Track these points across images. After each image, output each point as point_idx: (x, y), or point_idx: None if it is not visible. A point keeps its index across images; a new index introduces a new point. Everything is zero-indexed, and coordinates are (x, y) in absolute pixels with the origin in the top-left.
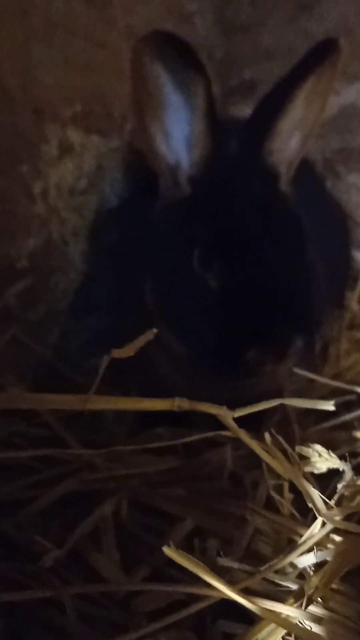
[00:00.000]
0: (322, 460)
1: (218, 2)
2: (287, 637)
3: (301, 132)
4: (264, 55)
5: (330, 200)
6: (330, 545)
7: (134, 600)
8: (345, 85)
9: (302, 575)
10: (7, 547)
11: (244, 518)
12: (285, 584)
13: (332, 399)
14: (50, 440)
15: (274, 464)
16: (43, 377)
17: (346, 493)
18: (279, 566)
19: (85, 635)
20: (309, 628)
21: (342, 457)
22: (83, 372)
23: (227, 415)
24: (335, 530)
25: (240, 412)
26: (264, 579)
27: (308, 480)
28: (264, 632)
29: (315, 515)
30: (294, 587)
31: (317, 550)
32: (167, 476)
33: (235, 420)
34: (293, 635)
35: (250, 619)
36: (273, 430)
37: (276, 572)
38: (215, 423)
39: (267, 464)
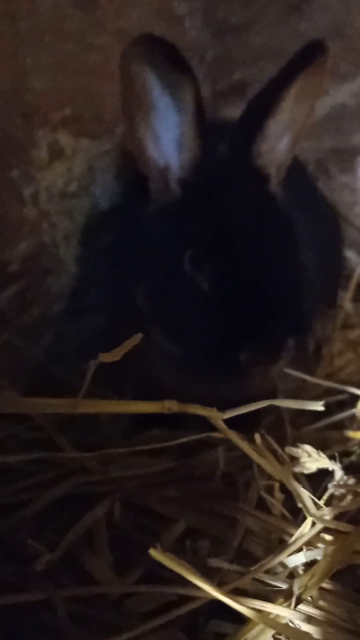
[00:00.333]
0: (312, 460)
1: (208, 4)
2: (277, 636)
3: (290, 134)
4: (254, 56)
5: (323, 200)
6: (320, 545)
7: (126, 602)
8: (336, 86)
9: (292, 575)
10: (1, 551)
11: (236, 518)
12: (275, 583)
13: (325, 399)
14: (44, 444)
15: (264, 464)
16: (38, 380)
17: (336, 493)
18: (269, 566)
19: (78, 636)
20: (298, 627)
21: (333, 457)
22: (78, 374)
23: (217, 417)
24: (326, 530)
25: (230, 414)
26: (255, 578)
27: (299, 481)
28: (253, 632)
29: (305, 515)
30: (284, 586)
31: (307, 550)
32: (161, 477)
33: (230, 421)
34: (283, 635)
35: (242, 619)
36: (263, 431)
37: (267, 572)
38: (208, 424)
39: (258, 465)
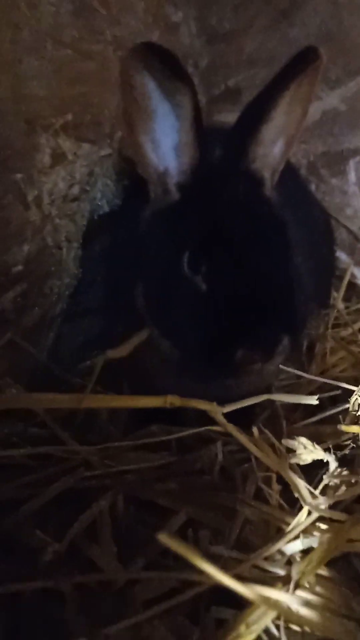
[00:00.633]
0: (308, 452)
1: (202, 12)
2: (276, 622)
3: (284, 138)
4: (247, 62)
5: (315, 203)
6: (316, 533)
7: (131, 589)
8: (327, 91)
9: (289, 562)
10: (6, 544)
11: (234, 509)
12: (274, 570)
13: (319, 395)
14: (47, 440)
15: (262, 456)
16: (38, 380)
17: (330, 483)
18: (268, 553)
19: (84, 624)
20: (296, 611)
21: (328, 450)
22: (77, 375)
23: (217, 411)
24: (321, 519)
25: (229, 408)
26: (254, 566)
27: (295, 472)
28: (253, 616)
29: (301, 504)
30: (282, 573)
31: (303, 538)
32: (160, 472)
33: (227, 416)
34: (282, 620)
35: (242, 605)
36: (261, 425)
37: (265, 559)
38: (207, 420)
39: (256, 457)
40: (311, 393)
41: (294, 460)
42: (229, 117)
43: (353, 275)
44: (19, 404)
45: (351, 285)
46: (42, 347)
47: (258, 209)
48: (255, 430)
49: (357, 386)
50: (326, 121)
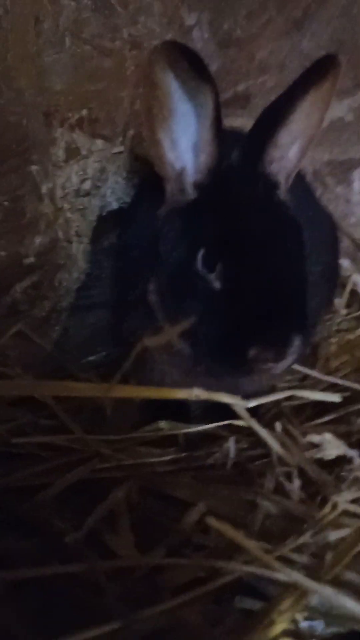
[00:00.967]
0: (333, 447)
1: (215, 17)
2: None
3: (300, 143)
4: (257, 68)
5: (322, 209)
6: (342, 527)
7: (157, 577)
8: (335, 101)
9: (315, 556)
10: (22, 530)
11: (254, 503)
12: (301, 561)
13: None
14: (57, 432)
15: (282, 451)
16: (45, 371)
17: (352, 478)
18: (295, 544)
19: (117, 608)
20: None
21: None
22: (82, 369)
23: (241, 405)
24: (344, 514)
25: (254, 402)
26: (280, 557)
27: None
28: (285, 604)
29: (323, 499)
30: (309, 565)
31: (330, 531)
32: (173, 466)
33: (228, 415)
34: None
35: (266, 597)
36: (285, 420)
37: (291, 550)
38: (213, 419)
39: (276, 452)
40: None
41: (319, 455)
42: (237, 121)
43: (355, 283)
44: (45, 390)
45: (353, 292)
46: (50, 339)
47: (274, 210)
48: (277, 425)
49: None
50: (333, 130)
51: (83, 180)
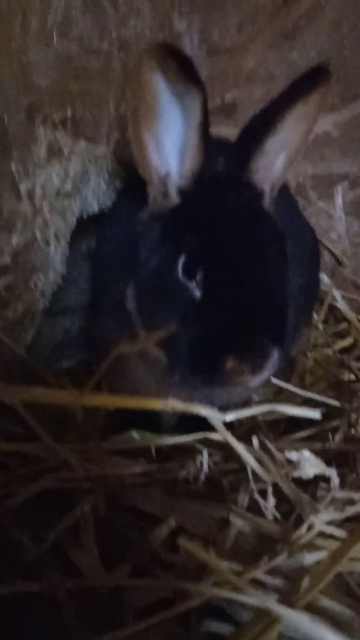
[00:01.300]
0: (310, 465)
1: (206, 24)
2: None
3: (287, 153)
4: (245, 78)
5: (304, 223)
6: (315, 550)
7: (121, 596)
8: (322, 115)
9: (287, 577)
10: None
11: (226, 520)
12: (274, 584)
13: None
14: (23, 439)
15: (258, 468)
16: (15, 375)
17: (330, 499)
18: (269, 567)
19: (76, 629)
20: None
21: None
22: (55, 374)
23: (218, 418)
24: (320, 535)
25: (231, 416)
26: (252, 579)
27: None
28: (256, 631)
29: (298, 518)
30: (282, 588)
31: (305, 553)
32: (143, 478)
33: (201, 428)
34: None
35: (234, 621)
36: (262, 435)
37: (265, 573)
38: (185, 431)
39: (251, 468)
40: None
41: (297, 474)
42: (223, 130)
43: (333, 298)
44: (13, 396)
45: (331, 307)
46: (23, 343)
47: (258, 220)
48: (255, 440)
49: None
50: (318, 144)
51: (64, 181)
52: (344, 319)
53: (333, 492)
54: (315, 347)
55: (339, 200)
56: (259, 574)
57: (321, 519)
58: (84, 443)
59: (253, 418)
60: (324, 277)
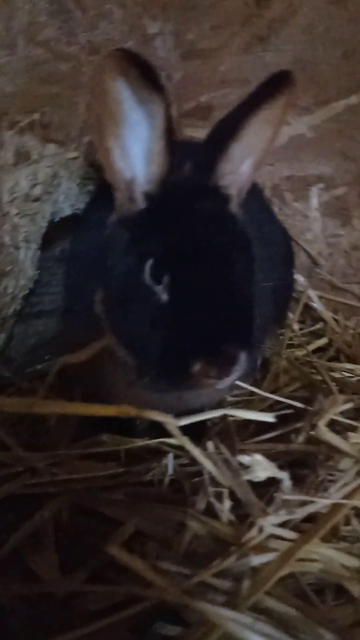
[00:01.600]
0: (262, 469)
1: (179, 27)
2: None
3: (252, 158)
4: (220, 81)
5: (277, 224)
6: (266, 551)
7: (73, 602)
8: (295, 117)
9: (238, 579)
10: None
11: (183, 523)
12: (222, 587)
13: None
14: None
15: (215, 472)
16: None
17: (282, 501)
18: (217, 569)
19: (24, 635)
20: (245, 629)
21: (280, 468)
22: (26, 378)
23: (173, 424)
24: (271, 537)
25: (185, 421)
26: (202, 582)
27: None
28: (200, 634)
29: (252, 522)
30: (230, 590)
31: (253, 555)
32: (109, 482)
33: (179, 429)
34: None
35: (185, 622)
36: (216, 440)
37: (214, 575)
38: (158, 432)
39: (209, 472)
40: (263, 410)
41: (248, 477)
42: (198, 132)
43: (309, 298)
44: None
45: (307, 307)
46: None
47: (224, 224)
48: (209, 444)
49: (309, 406)
50: (293, 146)
51: (33, 185)
52: (321, 319)
53: (283, 494)
54: (290, 347)
55: (314, 201)
56: (206, 576)
57: (270, 522)
58: (55, 447)
59: (224, 420)
60: (300, 278)
